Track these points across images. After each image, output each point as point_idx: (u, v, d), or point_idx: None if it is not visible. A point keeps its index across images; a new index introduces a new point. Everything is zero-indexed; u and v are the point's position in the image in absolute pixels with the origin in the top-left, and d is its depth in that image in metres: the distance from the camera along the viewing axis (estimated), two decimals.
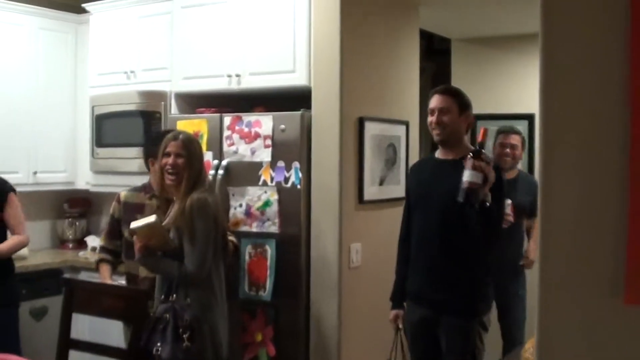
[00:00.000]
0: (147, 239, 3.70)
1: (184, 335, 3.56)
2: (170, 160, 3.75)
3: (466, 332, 3.66)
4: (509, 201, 4.59)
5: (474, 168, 3.38)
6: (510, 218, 4.65)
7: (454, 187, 3.44)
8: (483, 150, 3.47)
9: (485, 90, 6.61)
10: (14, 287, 4.72)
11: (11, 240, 4.66)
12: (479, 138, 3.54)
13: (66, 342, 3.76)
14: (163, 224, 3.74)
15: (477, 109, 6.55)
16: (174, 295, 3.66)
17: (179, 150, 3.76)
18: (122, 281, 4.40)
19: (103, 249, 4.41)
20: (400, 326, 3.93)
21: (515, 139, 5.23)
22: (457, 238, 3.65)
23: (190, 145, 3.79)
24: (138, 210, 4.16)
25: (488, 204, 3.43)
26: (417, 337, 3.84)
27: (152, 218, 3.70)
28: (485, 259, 3.73)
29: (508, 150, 5.20)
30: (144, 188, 4.31)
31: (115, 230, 4.33)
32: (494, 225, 3.60)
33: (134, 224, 3.72)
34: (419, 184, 3.93)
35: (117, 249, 4.35)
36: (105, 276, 4.30)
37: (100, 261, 4.40)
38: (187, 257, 3.66)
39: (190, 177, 3.74)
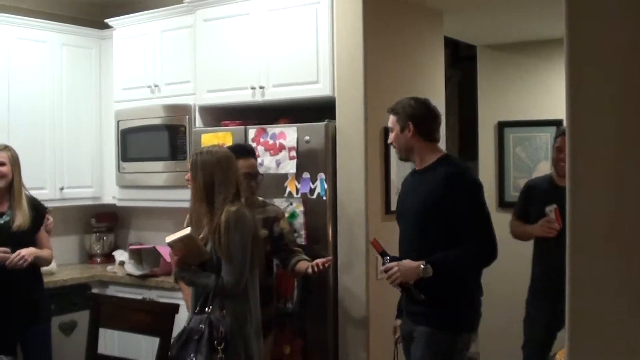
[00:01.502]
0: (183, 251, 3.71)
1: (219, 347, 3.56)
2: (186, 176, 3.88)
3: (430, 342, 3.59)
4: (553, 206, 4.47)
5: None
6: (555, 225, 4.46)
7: (422, 198, 3.60)
8: (386, 258, 3.65)
9: (511, 97, 6.57)
10: (47, 303, 4.72)
11: (46, 251, 4.66)
12: (378, 249, 3.71)
13: (94, 358, 3.76)
14: (200, 236, 3.73)
15: (503, 115, 6.59)
16: (210, 307, 3.65)
17: (189, 169, 3.83)
18: (151, 296, 4.36)
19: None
20: (397, 336, 3.91)
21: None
22: (424, 251, 3.60)
23: (195, 163, 3.80)
24: None
25: (422, 297, 3.56)
26: (406, 349, 3.83)
27: (186, 231, 3.70)
28: (464, 275, 3.64)
29: (563, 155, 4.83)
30: None
31: None
32: (463, 269, 3.61)
33: (168, 238, 3.72)
34: (399, 198, 3.98)
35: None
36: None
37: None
38: (224, 270, 3.65)
39: (196, 193, 3.77)
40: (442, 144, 5.12)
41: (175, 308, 3.72)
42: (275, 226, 4.21)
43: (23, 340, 4.43)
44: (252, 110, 5.13)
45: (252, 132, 4.76)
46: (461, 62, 7.80)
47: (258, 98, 4.88)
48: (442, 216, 3.53)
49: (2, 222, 4.43)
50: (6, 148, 4.58)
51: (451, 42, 6.75)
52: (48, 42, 5.86)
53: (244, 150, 4.18)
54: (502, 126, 6.60)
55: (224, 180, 3.74)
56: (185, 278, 3.79)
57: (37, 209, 4.60)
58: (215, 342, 3.56)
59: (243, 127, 4.83)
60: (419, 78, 4.98)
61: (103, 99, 6.17)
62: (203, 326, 3.58)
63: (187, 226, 3.80)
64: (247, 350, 3.69)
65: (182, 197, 4.94)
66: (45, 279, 4.98)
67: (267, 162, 4.64)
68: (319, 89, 4.58)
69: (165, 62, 5.53)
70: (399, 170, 4.66)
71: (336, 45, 4.51)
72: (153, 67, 5.60)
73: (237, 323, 3.66)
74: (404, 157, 3.74)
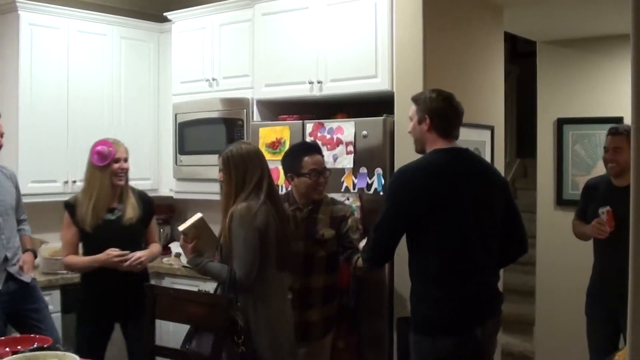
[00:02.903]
0: (196, 238, 3.81)
1: (239, 341, 3.63)
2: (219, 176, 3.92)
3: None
4: (606, 208, 4.41)
5: None
6: (606, 227, 4.39)
7: None
8: None
9: (571, 93, 6.47)
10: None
11: (155, 247, 4.72)
12: None
13: (151, 349, 3.79)
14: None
15: (562, 112, 6.50)
16: None
17: (221, 167, 3.88)
18: (206, 288, 4.37)
19: None
20: None
21: (616, 141, 4.57)
22: None
23: (228, 162, 3.84)
24: None
25: None
26: None
27: (197, 216, 3.82)
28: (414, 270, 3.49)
29: (607, 155, 4.62)
30: (287, 199, 4.25)
31: None
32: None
33: (182, 226, 3.81)
34: None
35: None
36: None
37: None
38: (234, 264, 3.72)
39: (229, 192, 3.82)
40: (499, 140, 5.09)
41: (230, 301, 3.72)
42: (343, 225, 4.20)
43: (125, 332, 4.53)
44: (309, 104, 5.13)
45: (309, 126, 4.75)
46: (519, 57, 7.71)
47: (316, 92, 4.88)
48: None
49: (113, 217, 4.46)
50: (121, 142, 4.61)
51: (509, 38, 6.67)
52: (107, 35, 5.93)
53: (309, 147, 4.21)
54: (561, 123, 6.50)
55: (252, 176, 3.81)
56: (200, 266, 3.84)
57: (145, 202, 4.64)
58: (235, 336, 3.62)
59: (300, 121, 4.83)
60: (478, 73, 4.93)
61: (161, 92, 6.23)
62: None
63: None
64: (270, 341, 3.76)
65: None
66: None
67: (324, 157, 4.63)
68: (378, 84, 4.55)
69: (223, 55, 5.56)
70: None
71: (395, 40, 4.48)
72: (211, 60, 5.63)
73: (254, 315, 3.74)
74: (419, 149, 3.60)
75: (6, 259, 4.49)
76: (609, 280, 4.53)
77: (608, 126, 4.73)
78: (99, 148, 4.46)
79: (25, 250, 4.70)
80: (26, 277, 4.55)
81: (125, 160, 4.52)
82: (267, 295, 3.80)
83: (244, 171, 3.81)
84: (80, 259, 4.48)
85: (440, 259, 3.35)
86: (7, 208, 4.59)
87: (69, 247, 4.50)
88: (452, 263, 3.35)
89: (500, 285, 5.03)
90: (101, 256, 4.35)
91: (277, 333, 3.81)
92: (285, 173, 4.27)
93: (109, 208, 4.46)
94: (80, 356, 4.30)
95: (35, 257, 4.82)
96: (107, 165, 4.42)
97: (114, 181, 4.45)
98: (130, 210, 4.48)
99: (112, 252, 4.33)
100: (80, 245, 4.53)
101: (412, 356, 3.48)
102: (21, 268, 4.53)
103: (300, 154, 4.13)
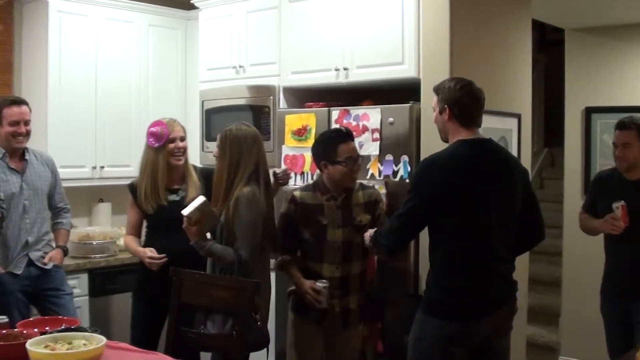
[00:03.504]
0: (200, 221, 3.87)
1: (256, 316, 3.77)
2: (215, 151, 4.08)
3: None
4: (620, 202, 4.25)
5: None
6: (620, 223, 4.25)
7: None
8: None
9: (600, 82, 6.41)
10: None
11: None
12: None
13: (176, 333, 3.81)
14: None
15: (590, 101, 6.44)
16: None
17: (218, 143, 4.03)
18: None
19: (284, 250, 4.23)
20: None
21: (624, 137, 4.41)
22: None
23: (225, 139, 3.99)
24: (317, 211, 4.10)
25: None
26: None
27: (200, 199, 3.88)
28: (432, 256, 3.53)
29: (616, 151, 4.46)
30: (317, 187, 4.18)
31: (292, 231, 4.18)
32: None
33: (185, 211, 3.85)
34: None
35: (296, 248, 4.23)
36: (298, 275, 4.12)
37: (284, 263, 4.23)
38: (237, 246, 3.86)
39: (221, 169, 3.97)
40: (526, 129, 5.07)
41: (256, 285, 3.74)
42: (376, 209, 4.20)
43: None
44: (335, 91, 5.13)
45: (335, 113, 4.75)
46: (548, 46, 7.66)
47: (342, 80, 4.87)
48: None
49: (178, 198, 4.44)
50: (177, 121, 4.58)
51: (538, 26, 6.62)
52: (135, 22, 5.96)
53: (344, 135, 4.12)
54: (589, 112, 6.44)
55: (247, 159, 3.92)
56: (205, 248, 3.91)
57: (208, 178, 4.47)
58: (252, 312, 3.72)
59: (326, 108, 4.84)
60: (505, 61, 4.90)
61: (188, 79, 6.26)
62: None
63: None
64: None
65: None
66: (129, 254, 5.12)
67: None
68: (404, 70, 4.54)
69: (250, 43, 5.57)
70: None
71: (422, 26, 4.46)
72: (238, 47, 5.64)
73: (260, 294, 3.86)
74: (443, 138, 3.60)
75: (27, 244, 4.56)
76: (623, 276, 4.42)
77: (638, 115, 4.63)
78: (152, 129, 4.44)
79: (57, 246, 4.77)
80: (48, 265, 4.62)
81: (182, 139, 4.46)
82: (262, 274, 3.98)
83: (238, 153, 3.94)
84: (132, 246, 4.50)
85: (459, 249, 3.39)
86: (38, 192, 4.64)
87: (130, 227, 4.56)
88: (470, 254, 3.38)
89: (525, 275, 5.05)
90: (140, 252, 4.39)
91: (268, 308, 4.09)
92: (318, 161, 4.15)
93: (171, 189, 4.45)
94: (133, 335, 4.38)
95: (66, 254, 4.86)
96: (162, 146, 4.40)
97: (171, 161, 4.42)
98: (192, 190, 4.42)
99: (149, 253, 4.31)
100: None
101: (411, 334, 3.52)
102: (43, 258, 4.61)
103: (336, 141, 4.05)
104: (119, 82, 5.83)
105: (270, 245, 4.09)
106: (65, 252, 4.81)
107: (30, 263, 4.56)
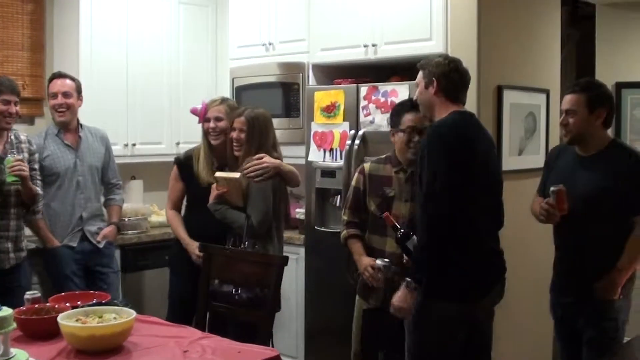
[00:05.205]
0: (226, 190, 4.18)
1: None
2: (234, 134, 4.28)
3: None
4: (558, 186, 3.62)
5: None
6: (555, 211, 3.64)
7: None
8: (400, 232, 3.61)
9: (630, 57, 6.38)
10: None
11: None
12: (389, 223, 3.69)
13: (206, 308, 3.88)
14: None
15: (621, 76, 6.39)
16: (246, 244, 4.10)
17: (242, 126, 4.25)
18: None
19: (350, 223, 4.10)
20: None
21: (570, 101, 3.69)
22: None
23: (253, 124, 4.24)
24: (385, 182, 3.98)
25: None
26: None
27: (237, 175, 4.14)
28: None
29: (562, 118, 3.76)
30: (389, 160, 4.05)
31: (360, 203, 4.06)
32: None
33: (219, 173, 4.18)
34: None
35: (363, 222, 4.08)
36: (360, 252, 3.98)
37: (350, 237, 4.08)
38: (250, 212, 4.13)
39: (250, 151, 4.22)
40: (555, 104, 5.04)
41: (284, 259, 3.80)
42: None
43: None
44: (364, 68, 5.14)
45: (363, 90, 4.77)
46: (579, 21, 7.59)
47: (370, 56, 4.89)
48: None
49: None
50: (223, 102, 4.56)
51: (570, 1, 6.58)
52: (166, 0, 5.99)
53: (413, 105, 3.90)
54: (619, 87, 6.40)
55: (265, 140, 4.29)
56: (219, 211, 4.23)
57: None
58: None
59: (355, 85, 4.86)
60: (534, 36, 4.89)
61: (219, 56, 6.28)
62: None
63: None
64: None
65: (296, 154, 5.08)
66: (161, 231, 5.20)
67: (378, 120, 4.66)
68: (432, 46, 4.53)
69: (280, 20, 5.60)
70: (512, 130, 4.61)
71: (450, 3, 4.46)
72: (268, 25, 5.67)
73: None
74: (429, 116, 3.55)
75: (81, 219, 4.69)
76: (571, 265, 3.77)
77: None
78: (192, 107, 4.58)
79: (110, 223, 4.90)
80: (100, 243, 4.75)
81: (218, 119, 4.42)
82: (269, 241, 4.21)
83: (265, 135, 4.28)
84: (178, 230, 4.51)
85: (467, 222, 3.32)
86: (91, 168, 4.78)
87: (170, 201, 4.63)
88: (468, 230, 3.32)
89: None
90: (189, 244, 4.40)
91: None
92: (391, 129, 4.08)
93: (219, 167, 4.42)
94: (170, 310, 4.46)
95: (119, 230, 5.01)
96: (201, 123, 4.51)
97: (210, 140, 4.45)
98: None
99: (197, 252, 4.26)
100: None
101: (413, 318, 3.44)
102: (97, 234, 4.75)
103: (404, 109, 3.96)
104: (150, 60, 5.86)
105: (281, 221, 4.36)
106: (118, 228, 4.94)
107: (84, 238, 4.69)
